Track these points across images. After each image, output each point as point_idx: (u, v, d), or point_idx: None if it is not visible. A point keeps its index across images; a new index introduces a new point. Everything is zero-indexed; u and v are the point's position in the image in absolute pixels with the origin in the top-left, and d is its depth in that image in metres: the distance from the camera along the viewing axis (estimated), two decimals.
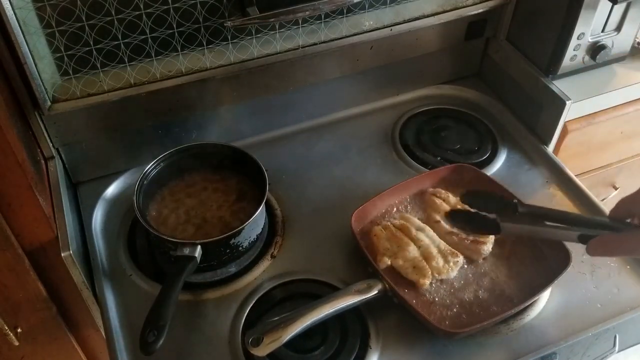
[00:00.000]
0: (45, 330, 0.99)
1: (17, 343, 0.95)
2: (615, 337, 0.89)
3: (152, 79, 0.95)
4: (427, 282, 0.86)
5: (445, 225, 0.92)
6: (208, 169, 1.01)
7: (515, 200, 0.87)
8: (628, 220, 0.75)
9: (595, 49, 1.09)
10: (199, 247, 0.86)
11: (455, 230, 0.90)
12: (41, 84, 0.87)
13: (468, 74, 1.28)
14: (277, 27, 0.98)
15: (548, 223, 0.84)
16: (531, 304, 0.87)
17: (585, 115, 1.13)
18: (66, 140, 0.99)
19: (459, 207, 0.93)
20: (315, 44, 1.03)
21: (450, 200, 0.97)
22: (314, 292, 0.89)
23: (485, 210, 0.88)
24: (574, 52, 1.08)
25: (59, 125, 0.96)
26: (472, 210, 0.91)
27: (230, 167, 1.01)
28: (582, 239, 0.77)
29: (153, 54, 0.93)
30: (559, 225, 0.82)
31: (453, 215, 0.90)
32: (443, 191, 0.98)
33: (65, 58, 0.88)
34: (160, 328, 0.77)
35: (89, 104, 0.93)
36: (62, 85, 0.91)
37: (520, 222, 0.87)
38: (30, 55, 0.84)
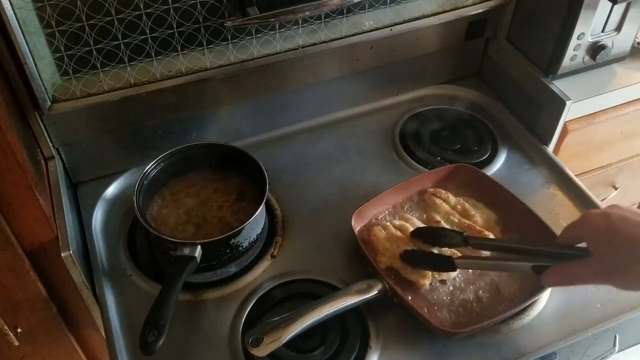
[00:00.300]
0: (45, 330, 0.99)
1: (17, 343, 0.95)
2: (615, 337, 0.89)
3: (152, 79, 0.95)
4: (427, 282, 0.86)
5: (445, 225, 0.93)
6: (208, 169, 1.01)
7: (465, 234, 0.86)
8: (581, 245, 0.74)
9: (595, 49, 1.09)
10: (199, 247, 0.86)
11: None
12: (41, 84, 0.87)
13: (468, 74, 1.28)
14: (277, 27, 0.98)
15: (502, 255, 0.85)
16: (531, 304, 0.87)
17: (585, 115, 1.13)
18: (66, 140, 0.99)
19: (412, 246, 0.90)
20: (315, 44, 1.03)
21: (450, 200, 0.97)
22: (314, 292, 0.89)
23: (437, 246, 0.88)
24: (574, 52, 1.08)
25: (59, 125, 0.96)
26: (426, 249, 0.89)
27: (230, 167, 1.01)
28: (536, 270, 0.77)
29: (153, 54, 0.93)
30: (512, 257, 0.82)
31: (407, 256, 0.87)
32: (443, 191, 0.98)
33: (65, 58, 0.88)
34: (160, 328, 0.77)
35: (89, 104, 0.93)
36: (62, 85, 0.91)
37: (475, 258, 0.87)
38: (30, 55, 0.84)
